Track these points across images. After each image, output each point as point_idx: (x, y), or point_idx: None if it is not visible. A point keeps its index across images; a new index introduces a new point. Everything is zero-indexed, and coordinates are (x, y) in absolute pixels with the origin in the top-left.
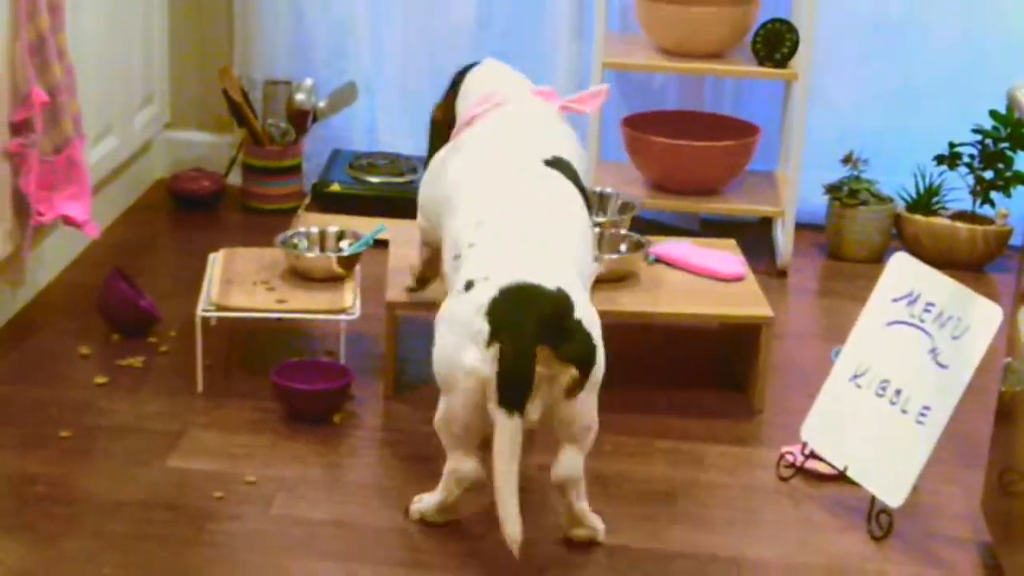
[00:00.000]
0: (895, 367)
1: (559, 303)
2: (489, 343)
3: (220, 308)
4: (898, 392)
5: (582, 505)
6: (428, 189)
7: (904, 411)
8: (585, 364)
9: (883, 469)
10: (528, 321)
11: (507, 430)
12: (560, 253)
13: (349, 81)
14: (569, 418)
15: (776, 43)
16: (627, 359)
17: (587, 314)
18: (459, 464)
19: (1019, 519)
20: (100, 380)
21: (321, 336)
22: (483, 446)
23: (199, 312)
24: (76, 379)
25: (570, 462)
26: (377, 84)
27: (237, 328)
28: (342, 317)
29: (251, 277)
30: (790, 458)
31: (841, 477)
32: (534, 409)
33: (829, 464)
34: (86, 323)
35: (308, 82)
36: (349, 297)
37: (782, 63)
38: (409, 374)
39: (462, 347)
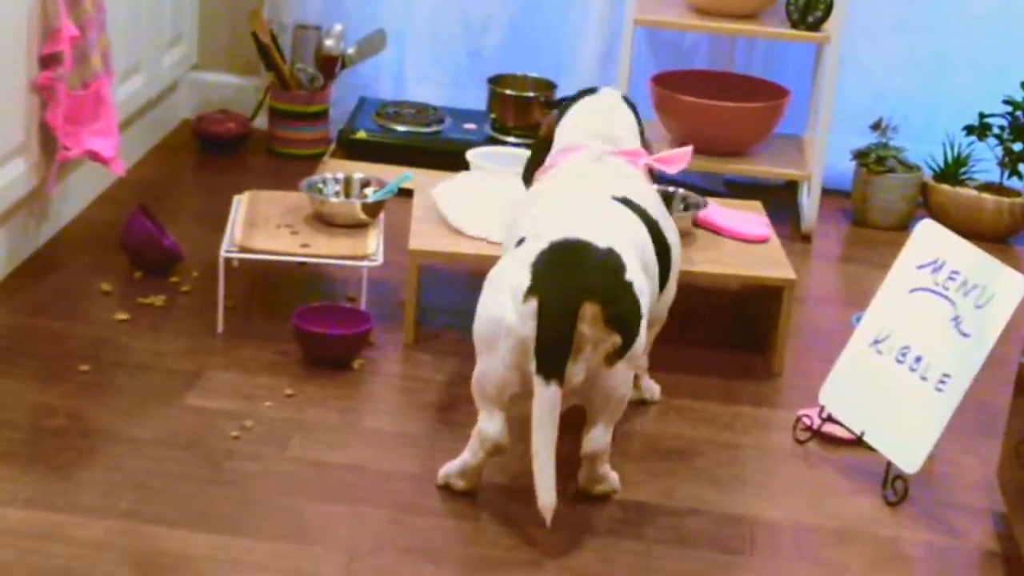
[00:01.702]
0: (917, 334)
1: (610, 259)
2: (527, 297)
3: (243, 250)
4: (918, 359)
5: (604, 468)
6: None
7: (924, 378)
8: (630, 331)
9: (900, 435)
10: (574, 275)
11: (545, 398)
12: (615, 222)
13: (378, 29)
14: (606, 388)
15: (810, 6)
16: None
17: (636, 279)
18: (485, 424)
19: None
20: (121, 316)
21: (343, 282)
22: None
23: (222, 253)
24: (97, 315)
25: (601, 437)
26: (407, 32)
27: (259, 270)
28: (364, 263)
29: (275, 220)
30: (807, 421)
31: (857, 442)
32: (577, 372)
33: (846, 428)
34: (109, 260)
35: (338, 28)
36: (372, 244)
37: (815, 26)
38: (430, 323)
39: (503, 305)
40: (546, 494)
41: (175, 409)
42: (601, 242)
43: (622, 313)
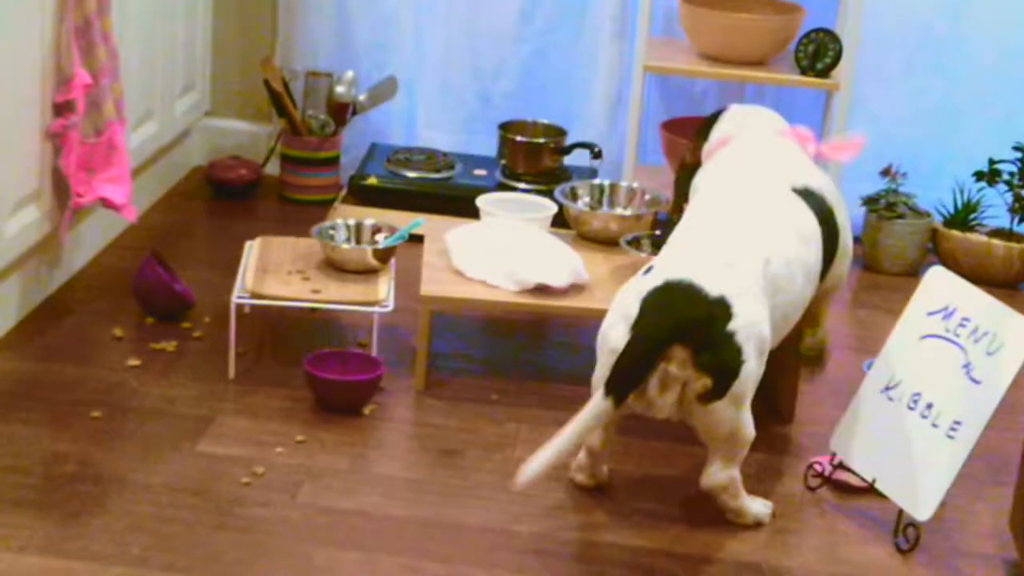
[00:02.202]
0: (927, 380)
1: (713, 310)
2: (633, 326)
3: (254, 295)
4: (929, 406)
5: (738, 503)
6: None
7: (935, 425)
8: (723, 376)
9: (912, 483)
10: (668, 317)
11: (595, 406)
12: (750, 268)
13: (390, 75)
14: (705, 426)
15: (819, 53)
16: None
17: (744, 327)
18: (594, 401)
19: None
20: (133, 362)
21: (354, 328)
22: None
23: (233, 299)
24: (109, 361)
25: (714, 472)
26: (417, 79)
27: (271, 316)
28: (375, 309)
29: (286, 266)
30: (818, 468)
31: (869, 489)
32: (663, 406)
33: (857, 476)
34: (121, 305)
35: (349, 75)
36: (383, 290)
37: (824, 73)
38: (440, 369)
39: (614, 324)
40: (536, 463)
41: (186, 455)
42: (714, 289)
43: (715, 360)
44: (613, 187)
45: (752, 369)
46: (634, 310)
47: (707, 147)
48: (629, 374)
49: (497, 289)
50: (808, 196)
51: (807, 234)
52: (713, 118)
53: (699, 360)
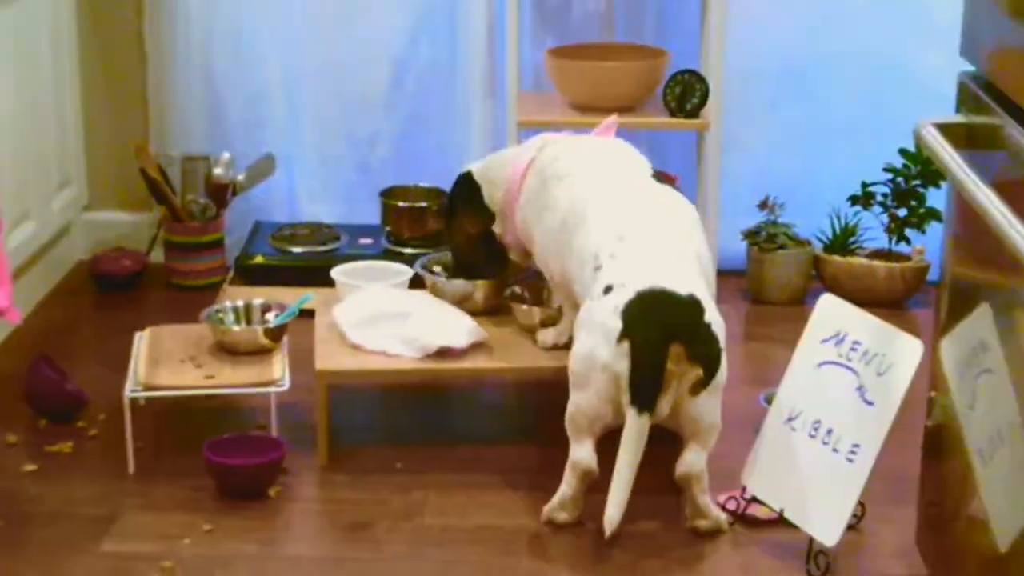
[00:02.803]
0: (826, 407)
1: (691, 306)
2: (620, 339)
3: (148, 388)
4: (829, 432)
5: (705, 499)
6: (541, 231)
7: (835, 450)
8: (711, 365)
9: (818, 509)
10: (661, 320)
11: (636, 426)
12: (691, 264)
13: (267, 153)
14: (694, 416)
15: (686, 93)
16: (552, 411)
17: (715, 319)
18: (577, 453)
19: (951, 552)
20: (29, 467)
21: (252, 410)
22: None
23: (127, 393)
24: (4, 467)
25: (693, 458)
26: (295, 154)
27: (167, 407)
28: (271, 389)
29: (178, 354)
30: (731, 505)
31: (779, 520)
32: (665, 404)
33: (769, 507)
34: (12, 410)
35: (226, 156)
36: (278, 369)
37: (693, 113)
38: (343, 443)
39: (597, 345)
40: (615, 508)
41: (91, 557)
42: (682, 289)
43: (703, 350)
44: None
45: (725, 361)
46: (614, 324)
47: (500, 194)
48: (651, 381)
49: (397, 358)
50: (663, 180)
51: (696, 221)
52: (465, 186)
53: (691, 353)
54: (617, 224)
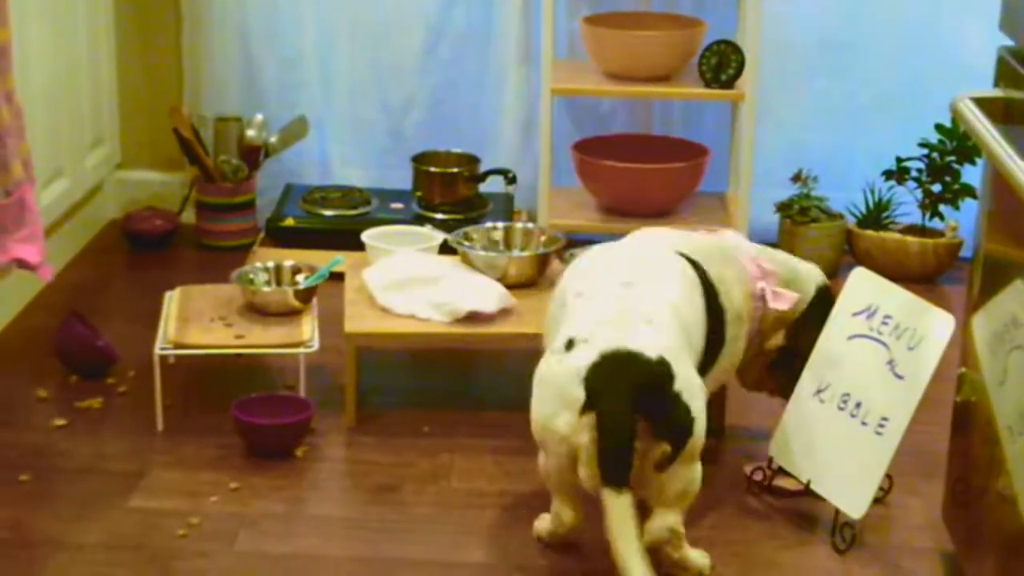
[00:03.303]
0: (855, 380)
1: (658, 373)
2: (583, 411)
3: (177, 346)
4: (858, 405)
5: (682, 553)
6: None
7: (864, 423)
8: (679, 439)
9: (845, 482)
10: (624, 391)
11: (618, 507)
12: (664, 317)
13: (299, 115)
14: (658, 489)
15: (722, 65)
16: None
17: (688, 386)
18: (560, 511)
19: (978, 527)
20: (59, 422)
21: (280, 370)
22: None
23: (157, 351)
24: (35, 422)
25: (661, 523)
26: (328, 118)
27: (196, 365)
28: (300, 350)
29: (208, 314)
30: (758, 476)
31: (806, 492)
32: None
33: (795, 479)
34: (43, 366)
35: (259, 118)
36: (307, 330)
37: (729, 84)
38: (370, 405)
39: (556, 413)
40: None
41: (119, 512)
42: (651, 351)
43: (671, 425)
44: (509, 230)
45: (701, 424)
46: (577, 392)
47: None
48: (621, 455)
49: (426, 322)
50: (688, 259)
51: (692, 277)
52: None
53: (657, 429)
54: (589, 269)
